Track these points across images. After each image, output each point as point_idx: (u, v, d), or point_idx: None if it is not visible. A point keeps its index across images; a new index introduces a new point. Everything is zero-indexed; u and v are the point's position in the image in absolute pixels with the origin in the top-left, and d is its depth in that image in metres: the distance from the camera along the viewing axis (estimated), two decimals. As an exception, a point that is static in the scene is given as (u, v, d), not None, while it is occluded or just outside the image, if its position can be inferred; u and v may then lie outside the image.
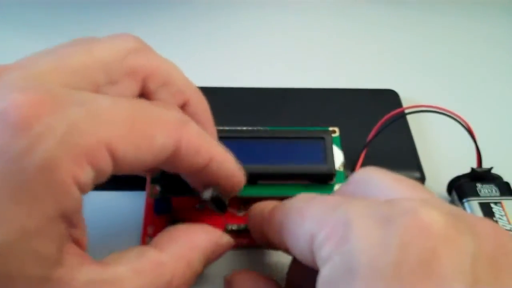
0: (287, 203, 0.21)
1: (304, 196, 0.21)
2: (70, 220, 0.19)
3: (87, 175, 0.19)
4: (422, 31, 0.44)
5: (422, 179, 0.30)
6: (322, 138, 0.27)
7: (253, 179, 0.26)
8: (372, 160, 0.29)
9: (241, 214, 0.27)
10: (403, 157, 0.31)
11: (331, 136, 0.28)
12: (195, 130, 0.22)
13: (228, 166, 0.23)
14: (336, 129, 0.29)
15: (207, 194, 0.23)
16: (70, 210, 0.19)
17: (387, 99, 0.35)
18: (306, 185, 0.27)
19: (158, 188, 0.26)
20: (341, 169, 0.28)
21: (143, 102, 0.22)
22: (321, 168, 0.27)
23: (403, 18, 0.45)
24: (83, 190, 0.19)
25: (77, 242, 0.20)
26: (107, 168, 0.19)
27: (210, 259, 0.23)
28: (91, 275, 0.20)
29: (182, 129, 0.21)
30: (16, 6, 0.44)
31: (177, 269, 0.22)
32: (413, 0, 0.46)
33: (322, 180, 0.27)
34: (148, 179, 0.27)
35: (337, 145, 0.28)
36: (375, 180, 0.21)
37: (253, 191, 0.27)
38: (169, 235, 0.23)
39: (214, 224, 0.26)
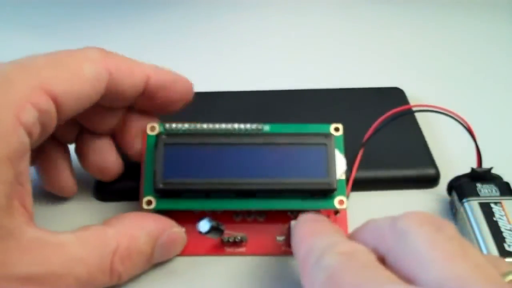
0: (314, 272, 0.20)
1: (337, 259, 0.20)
2: (17, 168, 0.21)
3: (30, 115, 0.21)
4: (427, 30, 0.44)
5: (436, 175, 0.30)
6: (324, 144, 0.26)
7: (250, 193, 0.26)
8: (384, 159, 0.29)
9: (238, 219, 0.27)
10: (416, 155, 0.31)
11: (333, 141, 0.26)
12: (121, 57, 0.25)
13: (166, 75, 0.26)
14: (340, 126, 0.27)
15: (204, 227, 0.23)
16: (17, 151, 0.20)
17: (393, 97, 0.34)
18: (306, 197, 0.26)
19: (153, 200, 0.25)
20: (343, 177, 0.26)
21: (63, 50, 0.24)
22: (321, 182, 0.25)
23: (409, 17, 0.45)
24: (29, 132, 0.21)
25: (24, 204, 0.21)
26: (49, 107, 0.22)
27: (161, 245, 0.24)
28: (35, 235, 0.21)
29: (107, 58, 0.24)
30: (16, 6, 0.44)
31: (121, 241, 0.23)
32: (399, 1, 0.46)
33: (323, 194, 0.26)
34: (142, 191, 0.26)
35: (339, 145, 0.27)
36: (412, 237, 0.19)
37: (251, 205, 0.26)
38: (118, 216, 0.24)
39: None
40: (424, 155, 0.31)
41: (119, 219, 0.24)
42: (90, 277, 0.22)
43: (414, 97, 0.35)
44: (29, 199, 0.22)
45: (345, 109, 0.33)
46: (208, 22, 0.44)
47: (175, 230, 0.25)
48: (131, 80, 0.25)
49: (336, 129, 0.27)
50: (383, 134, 0.29)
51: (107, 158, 0.27)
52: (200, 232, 0.23)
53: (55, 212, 0.29)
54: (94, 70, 0.23)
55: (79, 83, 0.23)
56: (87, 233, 0.22)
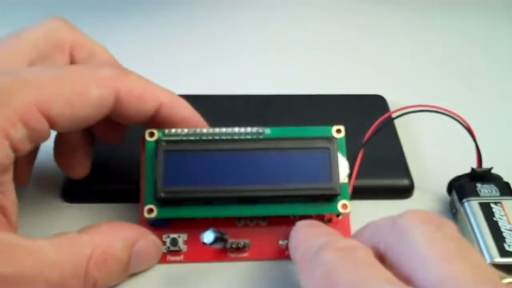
0: (311, 269, 0.20)
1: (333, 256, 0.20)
2: None
3: (18, 132, 0.21)
4: (412, 33, 0.43)
5: (411, 186, 0.30)
6: (327, 149, 0.25)
7: (253, 199, 0.25)
8: (361, 168, 0.28)
9: (240, 224, 0.27)
10: (391, 165, 0.30)
11: (336, 145, 0.26)
12: (135, 79, 0.24)
13: (181, 110, 0.25)
14: (341, 127, 0.27)
15: (208, 238, 0.23)
16: (0, 163, 0.20)
17: (374, 104, 0.34)
18: (309, 201, 0.26)
19: (154, 208, 0.25)
20: (346, 180, 0.26)
21: (74, 66, 0.24)
22: (325, 188, 0.25)
23: (391, 22, 0.45)
24: (15, 147, 0.21)
25: (4, 213, 0.21)
26: (41, 126, 0.21)
27: (137, 252, 0.24)
28: (10, 239, 0.21)
29: (119, 80, 0.23)
30: (16, 6, 0.44)
31: (96, 247, 0.22)
32: (401, 3, 0.46)
33: (326, 198, 0.26)
34: (142, 199, 0.26)
35: (342, 147, 0.26)
36: (412, 235, 0.19)
37: (254, 211, 0.26)
38: (95, 224, 0.24)
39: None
40: (399, 165, 0.30)
41: (95, 227, 0.24)
42: (63, 282, 0.21)
43: (397, 104, 0.35)
44: (12, 209, 0.22)
45: (325, 116, 0.33)
46: (202, 27, 0.44)
47: (151, 238, 0.25)
48: (140, 107, 0.24)
49: (338, 131, 0.27)
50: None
51: (75, 154, 0.27)
52: (205, 243, 0.23)
53: (22, 213, 0.28)
54: (100, 92, 0.23)
55: (81, 105, 0.22)
56: (62, 239, 0.22)
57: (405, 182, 0.30)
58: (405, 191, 0.30)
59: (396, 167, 0.30)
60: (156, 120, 0.25)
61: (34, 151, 0.27)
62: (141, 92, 0.24)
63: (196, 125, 0.26)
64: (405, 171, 0.30)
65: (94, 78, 0.23)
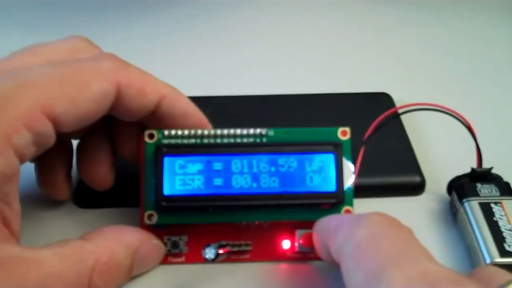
0: (354, 229, 0.20)
1: (372, 233, 0.20)
2: (1, 189, 0.20)
3: (23, 137, 0.20)
4: (417, 32, 0.44)
5: (422, 183, 0.30)
6: (332, 155, 0.25)
7: (252, 207, 0.25)
8: (370, 166, 0.29)
9: (242, 225, 0.26)
10: (401, 161, 0.31)
11: (342, 151, 0.25)
12: (136, 72, 0.23)
13: (181, 104, 0.25)
14: (347, 129, 0.26)
15: (210, 254, 0.23)
16: (2, 173, 0.20)
17: (380, 102, 0.34)
18: (312, 208, 0.25)
19: (154, 214, 0.25)
20: (350, 185, 0.26)
21: (73, 60, 0.23)
22: (329, 196, 0.25)
23: (396, 20, 0.45)
24: (20, 154, 0.20)
25: (7, 224, 0.21)
26: (46, 129, 0.21)
27: (140, 258, 0.24)
28: (13, 251, 0.20)
29: (119, 73, 0.22)
30: (16, 6, 0.44)
31: (100, 256, 0.22)
32: (406, 1, 0.46)
33: (330, 205, 0.25)
34: (142, 205, 0.25)
35: (347, 152, 0.26)
36: None
37: (256, 217, 0.26)
38: (97, 230, 0.24)
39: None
40: (409, 162, 0.31)
41: (99, 233, 0.23)
42: None
43: (404, 102, 0.35)
44: (16, 219, 0.21)
45: (332, 115, 0.33)
46: (202, 28, 0.44)
47: (154, 243, 0.25)
48: (140, 100, 0.23)
49: (344, 133, 0.26)
50: (371, 140, 0.29)
51: (99, 169, 0.26)
52: (207, 260, 0.23)
53: (35, 219, 0.28)
54: (102, 86, 0.22)
55: (84, 101, 0.22)
56: (66, 248, 0.22)
57: (416, 179, 0.30)
58: (417, 188, 0.30)
59: (406, 164, 0.31)
60: (157, 116, 0.24)
61: (69, 166, 0.27)
62: (142, 84, 0.23)
63: (197, 121, 0.25)
64: (416, 168, 0.30)
65: (94, 71, 0.22)
